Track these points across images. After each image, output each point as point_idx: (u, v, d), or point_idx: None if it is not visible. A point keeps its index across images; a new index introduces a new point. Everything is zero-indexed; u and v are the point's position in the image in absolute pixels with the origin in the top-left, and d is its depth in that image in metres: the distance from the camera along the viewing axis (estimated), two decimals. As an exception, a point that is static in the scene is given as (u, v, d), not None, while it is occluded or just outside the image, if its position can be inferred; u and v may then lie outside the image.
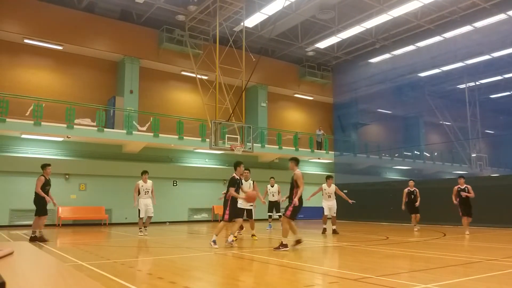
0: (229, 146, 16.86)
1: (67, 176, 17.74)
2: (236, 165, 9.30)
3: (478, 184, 16.73)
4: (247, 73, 18.14)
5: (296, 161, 8.69)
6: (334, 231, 13.12)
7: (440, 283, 5.04)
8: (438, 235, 12.56)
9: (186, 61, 20.88)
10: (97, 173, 18.24)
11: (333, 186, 13.35)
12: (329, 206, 13.31)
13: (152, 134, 18.66)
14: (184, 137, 19.39)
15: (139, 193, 11.75)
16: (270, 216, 15.28)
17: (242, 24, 18.76)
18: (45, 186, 10.14)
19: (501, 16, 18.00)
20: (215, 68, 17.93)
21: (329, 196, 13.24)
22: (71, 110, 17.08)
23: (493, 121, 26.22)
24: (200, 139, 19.86)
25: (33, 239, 9.76)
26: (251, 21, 19.42)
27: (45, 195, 10.03)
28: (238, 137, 17.16)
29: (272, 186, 14.81)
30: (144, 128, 18.91)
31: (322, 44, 22.27)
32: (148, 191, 11.86)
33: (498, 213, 14.96)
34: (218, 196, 21.52)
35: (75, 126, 16.84)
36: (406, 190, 14.14)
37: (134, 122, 18.80)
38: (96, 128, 17.45)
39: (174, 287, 4.86)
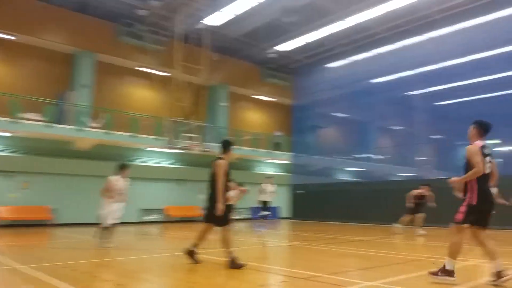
0: (187, 145, 16.68)
1: (9, 174, 16.74)
2: None
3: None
4: (208, 72, 18.01)
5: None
6: None
7: (385, 280, 5.26)
8: (386, 234, 13.05)
9: (146, 57, 20.41)
10: (44, 170, 17.36)
11: None
12: None
13: (104, 131, 17.98)
14: (140, 135, 18.87)
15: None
16: None
17: (205, 22, 18.60)
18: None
19: (452, 28, 19.04)
20: (176, 65, 17.67)
21: None
22: (16, 103, 16.12)
23: (441, 127, 27.63)
24: (156, 137, 19.39)
25: (233, 266, 6.11)
26: (214, 20, 19.27)
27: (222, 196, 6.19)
28: (196, 136, 17.02)
29: None
30: (99, 125, 18.28)
31: (285, 47, 22.54)
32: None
33: (443, 213, 15.73)
34: (173, 196, 21.14)
35: (20, 121, 15.94)
36: None
37: (86, 118, 18.11)
38: (43, 123, 16.58)
39: None
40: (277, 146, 24.95)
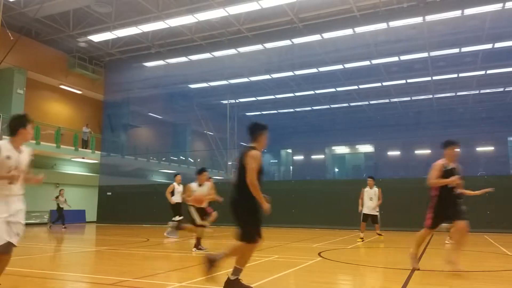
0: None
1: None
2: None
3: (231, 188, 18.95)
4: (1, 52, 15.34)
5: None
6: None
7: (194, 280, 5.44)
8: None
9: None
10: None
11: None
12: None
13: None
14: None
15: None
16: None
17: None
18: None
19: (259, 47, 21.16)
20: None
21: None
22: None
23: (247, 135, 30.36)
24: None
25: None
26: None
27: None
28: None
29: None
30: None
31: (96, 38, 21.00)
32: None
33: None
34: None
35: None
36: None
37: None
38: None
39: None
40: (84, 144, 23.02)
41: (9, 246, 3.96)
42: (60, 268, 7.13)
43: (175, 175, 12.81)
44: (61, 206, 17.79)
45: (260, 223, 4.56)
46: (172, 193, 12.22)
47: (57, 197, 17.81)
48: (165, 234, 12.68)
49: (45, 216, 21.10)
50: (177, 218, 12.09)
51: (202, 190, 8.84)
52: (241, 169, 4.56)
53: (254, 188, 4.40)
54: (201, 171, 8.95)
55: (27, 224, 15.68)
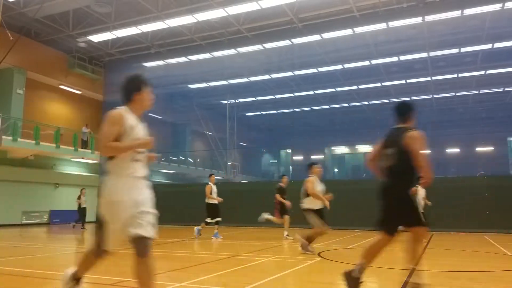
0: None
1: None
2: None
3: (230, 188, 19.05)
4: (0, 52, 15.31)
5: None
6: None
7: (194, 280, 5.43)
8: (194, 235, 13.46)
9: None
10: None
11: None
12: None
13: None
14: None
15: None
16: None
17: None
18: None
19: (259, 47, 21.14)
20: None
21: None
22: None
23: (246, 135, 30.46)
24: None
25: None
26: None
27: None
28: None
29: None
30: None
31: (96, 38, 21.00)
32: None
33: (245, 214, 17.34)
34: None
35: None
36: None
37: None
38: None
39: None
40: (84, 144, 23.00)
41: (142, 241, 3.18)
42: (60, 268, 7.11)
43: (210, 175, 12.02)
44: (82, 206, 17.75)
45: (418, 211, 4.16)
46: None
47: (79, 197, 17.77)
48: (197, 233, 12.02)
49: (45, 216, 21.09)
50: (214, 219, 11.56)
51: (321, 186, 8.46)
52: (399, 153, 4.03)
53: (431, 171, 3.93)
54: (311, 164, 8.58)
55: (26, 225, 15.81)
